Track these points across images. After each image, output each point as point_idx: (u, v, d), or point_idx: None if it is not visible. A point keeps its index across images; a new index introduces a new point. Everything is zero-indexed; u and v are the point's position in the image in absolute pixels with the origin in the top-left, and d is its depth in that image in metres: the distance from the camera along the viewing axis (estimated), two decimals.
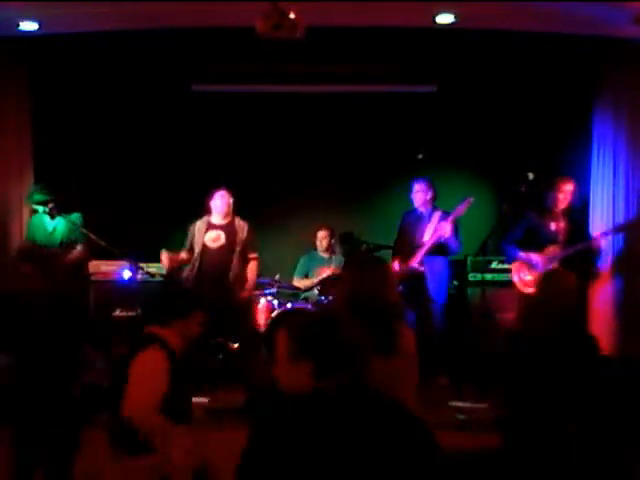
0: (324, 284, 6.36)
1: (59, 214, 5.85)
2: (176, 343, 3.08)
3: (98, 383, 4.19)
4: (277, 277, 6.43)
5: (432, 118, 7.31)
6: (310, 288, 6.58)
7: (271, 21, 4.67)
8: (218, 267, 5.89)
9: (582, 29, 5.85)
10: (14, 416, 3.52)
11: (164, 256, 5.83)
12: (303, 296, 6.60)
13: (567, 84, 6.75)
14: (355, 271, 3.07)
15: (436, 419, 4.67)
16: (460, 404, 5.22)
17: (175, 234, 6.60)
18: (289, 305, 6.20)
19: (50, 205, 5.83)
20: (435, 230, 5.94)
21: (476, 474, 2.98)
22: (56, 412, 3.50)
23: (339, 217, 7.18)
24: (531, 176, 6.00)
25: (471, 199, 5.87)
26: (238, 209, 6.14)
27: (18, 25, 5.72)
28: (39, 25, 5.74)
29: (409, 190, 6.24)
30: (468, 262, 6.46)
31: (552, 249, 5.75)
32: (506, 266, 6.19)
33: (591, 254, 5.88)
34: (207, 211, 6.06)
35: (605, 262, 6.33)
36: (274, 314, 6.08)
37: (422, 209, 6.14)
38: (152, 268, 6.26)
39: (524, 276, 5.79)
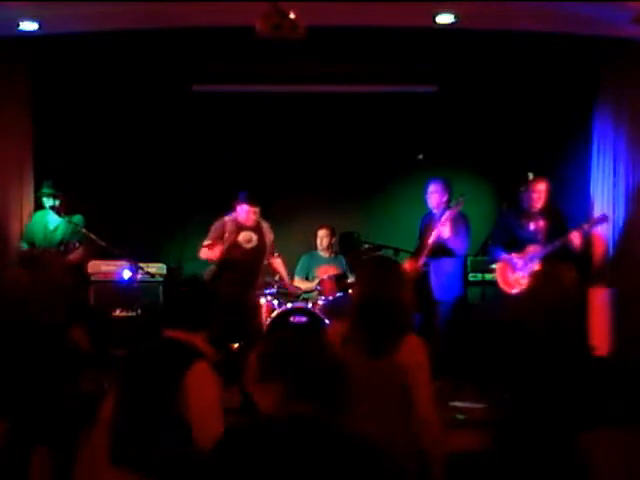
0: (324, 284, 6.37)
1: (64, 213, 5.90)
2: (209, 350, 2.81)
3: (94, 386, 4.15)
4: (277, 277, 6.43)
5: (432, 118, 7.30)
6: (310, 289, 6.59)
7: (271, 21, 4.67)
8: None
9: (582, 29, 5.85)
10: (11, 416, 3.46)
11: (214, 249, 5.78)
12: (303, 296, 6.60)
13: (567, 84, 6.74)
14: (372, 272, 3.05)
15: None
16: (460, 404, 5.23)
17: (175, 234, 6.61)
18: (289, 305, 6.20)
19: (58, 200, 5.94)
20: (436, 230, 5.95)
21: (475, 474, 2.98)
22: (53, 414, 3.43)
23: (339, 217, 7.18)
24: (531, 176, 6.02)
25: (462, 199, 5.87)
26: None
27: (18, 25, 5.72)
28: (39, 25, 5.75)
29: (409, 190, 6.24)
30: (468, 262, 6.46)
31: (532, 248, 5.78)
32: None
33: (573, 252, 5.84)
34: (231, 210, 6.01)
35: (602, 262, 6.35)
36: (274, 314, 6.08)
37: (436, 210, 6.09)
38: (152, 268, 6.26)
39: (507, 276, 5.83)
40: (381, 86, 7.34)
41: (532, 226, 5.88)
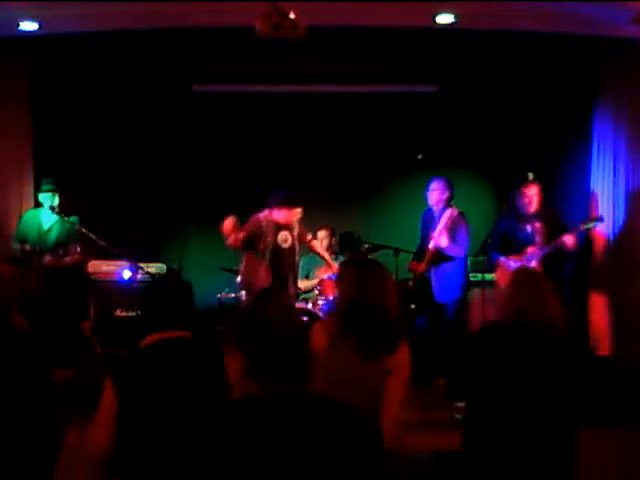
0: (324, 284, 6.36)
1: (62, 213, 5.90)
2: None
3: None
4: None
5: (432, 118, 7.30)
6: (310, 289, 6.58)
7: (271, 21, 4.67)
8: (289, 267, 5.95)
9: (582, 29, 5.86)
10: None
11: (230, 222, 5.69)
12: (303, 296, 6.59)
13: (567, 84, 6.75)
14: (354, 275, 3.04)
15: (434, 419, 4.74)
16: (460, 404, 5.22)
17: (175, 234, 6.60)
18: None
19: (57, 198, 5.94)
20: (434, 240, 5.99)
21: (475, 474, 2.97)
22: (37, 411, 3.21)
23: (339, 217, 7.17)
24: (531, 176, 6.02)
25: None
26: (238, 209, 6.12)
27: (18, 25, 5.73)
28: (39, 25, 5.75)
29: (409, 190, 6.25)
30: (468, 262, 6.46)
31: (530, 250, 5.81)
32: None
33: (569, 253, 5.85)
34: (264, 208, 5.98)
35: (601, 264, 6.35)
36: None
37: (435, 208, 6.13)
38: (152, 268, 6.26)
39: (506, 279, 5.83)
40: (381, 86, 7.34)
41: (529, 228, 5.91)
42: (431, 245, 5.99)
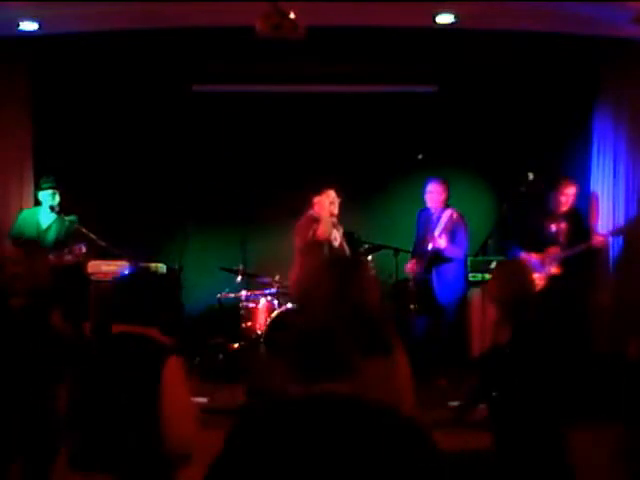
0: None
1: (61, 212, 5.89)
2: (168, 342, 2.64)
3: None
4: (277, 277, 6.42)
5: (432, 118, 7.30)
6: None
7: (271, 21, 4.68)
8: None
9: (582, 29, 5.86)
10: None
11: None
12: None
13: (567, 84, 6.75)
14: (335, 273, 2.97)
15: (435, 419, 4.73)
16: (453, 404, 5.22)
17: (175, 234, 6.60)
18: (289, 305, 6.20)
19: (58, 197, 5.94)
20: (433, 241, 5.99)
21: (474, 474, 2.98)
22: (35, 420, 3.27)
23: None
24: (531, 176, 6.03)
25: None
26: (238, 209, 6.13)
27: (18, 25, 5.73)
28: (39, 25, 5.75)
29: (409, 190, 6.25)
30: (468, 262, 6.46)
31: (552, 250, 5.81)
32: None
33: (592, 257, 5.90)
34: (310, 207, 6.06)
35: (605, 263, 6.34)
36: (274, 314, 6.08)
37: (433, 209, 6.14)
38: (152, 268, 6.25)
39: None
40: (381, 86, 7.33)
41: (554, 227, 5.93)
42: (430, 247, 6.00)
